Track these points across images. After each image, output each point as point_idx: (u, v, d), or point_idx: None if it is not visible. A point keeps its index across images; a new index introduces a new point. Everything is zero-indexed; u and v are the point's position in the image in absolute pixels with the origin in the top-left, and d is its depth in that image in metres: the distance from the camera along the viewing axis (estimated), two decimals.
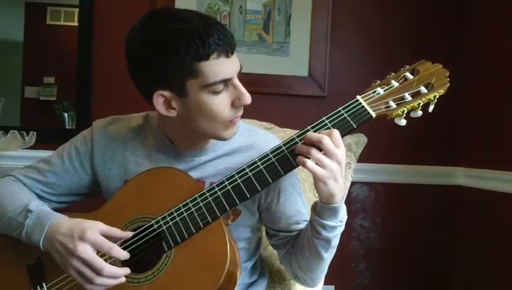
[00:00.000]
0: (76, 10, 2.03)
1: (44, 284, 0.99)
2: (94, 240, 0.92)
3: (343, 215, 1.00)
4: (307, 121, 0.97)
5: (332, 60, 2.09)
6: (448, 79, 0.96)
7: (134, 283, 0.94)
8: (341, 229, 1.01)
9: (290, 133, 0.98)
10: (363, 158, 1.43)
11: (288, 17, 2.09)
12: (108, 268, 0.91)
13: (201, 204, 0.95)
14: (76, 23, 2.04)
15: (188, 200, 0.96)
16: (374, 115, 0.94)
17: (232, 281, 0.94)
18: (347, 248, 2.11)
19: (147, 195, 1.00)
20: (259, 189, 0.95)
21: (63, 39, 2.14)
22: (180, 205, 0.96)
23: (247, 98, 0.98)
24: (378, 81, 0.98)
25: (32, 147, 1.84)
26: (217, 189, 0.95)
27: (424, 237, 2.14)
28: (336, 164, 0.92)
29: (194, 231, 0.94)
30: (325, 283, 1.34)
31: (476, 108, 2.04)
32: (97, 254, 0.92)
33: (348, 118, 0.94)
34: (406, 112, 0.94)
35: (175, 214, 0.95)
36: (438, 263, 2.15)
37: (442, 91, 0.95)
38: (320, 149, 0.92)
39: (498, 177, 1.84)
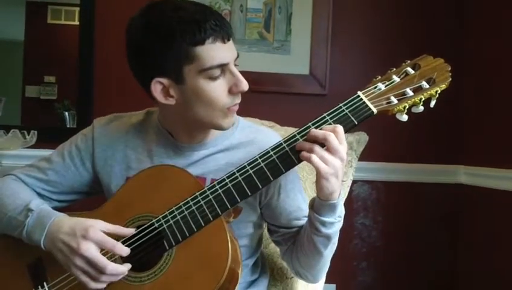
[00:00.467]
0: (77, 9, 2.04)
1: (45, 283, 0.99)
2: (97, 238, 0.92)
3: (341, 210, 1.00)
4: (308, 119, 0.96)
5: (333, 58, 2.09)
6: (450, 74, 0.95)
7: (136, 282, 0.94)
8: (340, 225, 1.01)
9: (291, 131, 0.98)
10: (364, 156, 1.42)
11: (289, 15, 2.08)
12: (111, 266, 0.91)
13: (202, 202, 0.94)
14: (77, 22, 2.04)
15: (189, 199, 0.95)
16: (375, 110, 0.93)
17: (233, 279, 0.93)
18: (349, 246, 2.11)
19: (148, 193, 1.00)
20: (260, 186, 0.95)
21: (63, 38, 2.14)
22: (181, 203, 0.95)
23: (245, 85, 0.98)
24: (379, 77, 0.97)
25: (33, 146, 1.84)
26: (217, 187, 0.95)
27: (425, 235, 2.14)
28: (339, 161, 0.92)
29: (195, 229, 0.93)
30: (327, 281, 1.34)
31: (477, 106, 2.03)
32: (100, 252, 0.92)
33: (349, 114, 0.94)
34: (407, 107, 0.94)
35: (176, 212, 0.95)
36: (440, 261, 2.14)
37: (444, 86, 0.95)
38: (322, 146, 0.91)
39: (500, 175, 1.84)
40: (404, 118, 0.95)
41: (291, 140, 0.95)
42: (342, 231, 1.03)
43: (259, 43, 2.07)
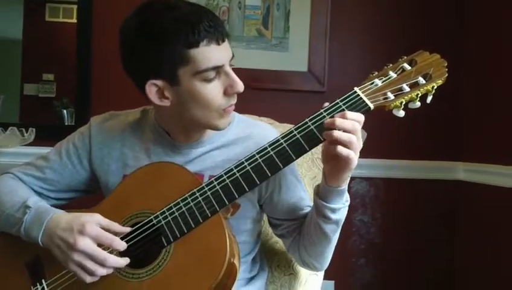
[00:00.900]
0: (75, 7, 2.03)
1: (43, 280, 0.99)
2: (94, 233, 0.92)
3: (347, 195, 1.01)
4: (307, 116, 0.96)
5: (331, 55, 2.09)
6: (447, 69, 0.95)
7: (134, 279, 0.94)
8: (346, 209, 1.02)
9: (289, 128, 0.98)
10: (362, 153, 1.42)
11: (287, 12, 2.08)
12: (111, 259, 0.91)
13: (200, 198, 0.95)
14: (75, 20, 2.04)
15: (187, 195, 0.95)
16: (372, 106, 0.93)
17: (231, 275, 0.94)
18: (347, 243, 2.11)
19: (146, 190, 1.00)
20: (258, 182, 0.95)
21: (62, 36, 2.14)
22: (179, 199, 0.95)
23: (240, 86, 0.98)
24: (376, 73, 0.97)
25: (31, 144, 1.84)
26: (215, 183, 0.95)
27: (423, 231, 2.14)
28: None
29: (193, 225, 0.94)
30: (325, 278, 1.34)
31: (476, 104, 2.04)
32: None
33: (346, 110, 0.94)
34: (404, 103, 0.94)
35: (174, 209, 0.95)
36: (438, 257, 2.15)
37: (440, 81, 0.95)
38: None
39: (498, 171, 1.84)
40: (401, 113, 0.95)
41: (289, 136, 0.95)
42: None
43: (257, 40, 2.07)
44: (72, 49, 2.02)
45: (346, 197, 1.01)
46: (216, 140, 1.08)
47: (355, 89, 0.95)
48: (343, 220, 1.02)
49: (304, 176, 1.33)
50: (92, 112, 1.95)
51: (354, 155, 0.90)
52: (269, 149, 0.95)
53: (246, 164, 0.95)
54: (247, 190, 0.95)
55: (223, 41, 0.96)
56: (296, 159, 0.95)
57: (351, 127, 0.89)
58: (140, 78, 0.98)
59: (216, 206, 0.94)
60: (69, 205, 1.10)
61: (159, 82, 0.97)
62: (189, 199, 0.95)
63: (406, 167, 2.12)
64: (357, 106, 0.93)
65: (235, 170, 0.95)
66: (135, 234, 0.96)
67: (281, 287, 1.28)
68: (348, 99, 0.94)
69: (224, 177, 0.95)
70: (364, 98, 0.94)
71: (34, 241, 0.97)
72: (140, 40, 0.95)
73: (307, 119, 0.95)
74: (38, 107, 2.09)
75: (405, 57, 0.98)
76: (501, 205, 1.84)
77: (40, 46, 2.11)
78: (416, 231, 2.14)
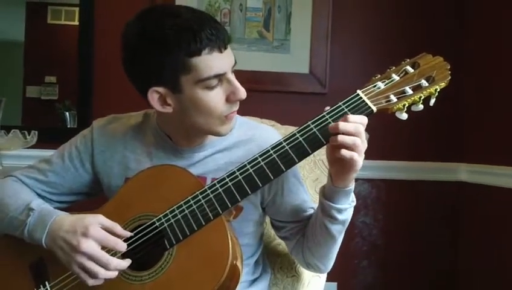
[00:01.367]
0: (77, 9, 2.04)
1: (47, 282, 0.99)
2: (98, 235, 0.92)
3: (353, 195, 1.01)
4: (308, 118, 0.96)
5: (333, 57, 2.09)
6: (450, 72, 0.95)
7: (137, 281, 0.94)
8: (352, 210, 1.02)
9: (291, 130, 0.98)
10: (364, 154, 1.42)
11: (289, 14, 2.08)
12: (115, 262, 0.91)
13: (202, 201, 0.95)
14: (77, 22, 2.05)
15: (189, 197, 0.95)
16: (374, 109, 0.93)
17: (234, 278, 0.94)
18: (349, 244, 2.11)
19: (148, 193, 1.00)
20: (261, 185, 0.95)
21: (63, 38, 2.14)
22: (182, 202, 0.96)
23: (242, 93, 0.98)
24: (379, 75, 0.97)
25: (33, 147, 1.84)
26: (218, 186, 0.95)
27: (426, 233, 2.14)
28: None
29: (195, 228, 0.94)
30: (328, 280, 1.34)
31: (477, 104, 2.04)
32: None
33: (349, 113, 0.93)
34: (407, 105, 0.94)
35: (176, 211, 0.95)
36: (441, 259, 2.14)
37: (443, 84, 0.95)
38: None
39: (501, 172, 1.84)
40: (404, 116, 0.95)
41: (291, 139, 0.95)
42: None
43: (258, 42, 2.08)
44: (74, 51, 2.03)
45: (352, 198, 1.01)
46: (218, 143, 1.08)
47: (358, 91, 0.95)
48: (349, 221, 1.02)
49: (306, 178, 1.33)
50: (94, 114, 1.96)
51: (357, 157, 0.90)
52: (272, 152, 0.95)
53: (248, 166, 0.95)
54: (249, 192, 0.95)
55: (225, 48, 0.96)
56: (299, 162, 0.95)
57: (354, 130, 0.89)
58: (142, 84, 0.98)
59: (219, 209, 0.94)
60: (71, 208, 1.10)
61: (161, 89, 0.97)
62: (191, 202, 0.95)
63: (408, 169, 2.12)
64: (360, 108, 0.93)
65: (237, 173, 0.95)
66: (138, 236, 0.96)
67: (284, 289, 1.28)
68: (350, 102, 0.94)
69: (227, 180, 0.95)
70: (367, 101, 0.94)
71: (37, 243, 0.97)
72: (142, 47, 0.95)
73: (309, 122, 0.95)
74: (40, 110, 2.09)
75: (408, 60, 0.98)
76: (504, 205, 1.83)
77: (42, 48, 2.12)
78: (418, 232, 2.14)
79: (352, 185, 0.98)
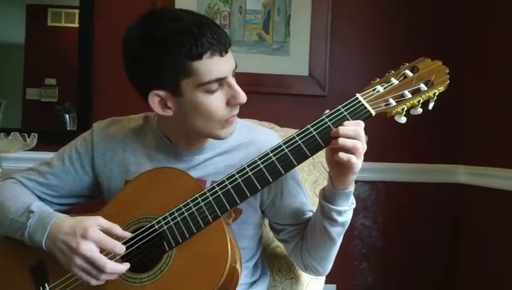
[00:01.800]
0: (77, 11, 2.04)
1: (47, 284, 1.00)
2: (97, 237, 0.92)
3: (353, 197, 1.02)
4: (308, 120, 0.97)
5: (332, 59, 2.09)
6: (448, 76, 0.96)
7: (136, 283, 0.94)
8: (352, 212, 1.03)
9: (290, 132, 0.98)
10: (364, 157, 1.43)
11: (288, 16, 2.09)
12: (110, 265, 0.92)
13: (202, 204, 0.95)
14: (77, 25, 2.04)
15: (189, 200, 0.96)
16: (373, 112, 0.94)
17: (233, 280, 0.94)
18: (349, 246, 2.11)
19: (148, 195, 1.00)
20: (260, 188, 0.95)
21: (64, 40, 2.14)
22: (181, 204, 0.96)
23: (242, 97, 0.98)
24: (378, 79, 0.98)
25: (33, 149, 1.84)
26: (217, 188, 0.96)
27: (425, 235, 2.14)
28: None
29: (195, 230, 0.94)
30: (327, 282, 1.34)
31: (477, 106, 2.04)
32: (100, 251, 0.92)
33: (348, 116, 0.94)
34: (405, 109, 0.94)
35: (176, 214, 0.96)
36: (440, 261, 2.15)
37: (442, 88, 0.95)
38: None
39: (499, 174, 1.84)
40: (403, 120, 0.95)
41: (291, 142, 0.95)
42: None
43: (258, 44, 2.08)
44: (74, 53, 2.02)
45: (352, 200, 1.02)
46: (218, 146, 1.08)
47: (357, 95, 0.96)
48: (348, 223, 1.03)
49: (305, 180, 1.33)
50: (94, 117, 1.97)
51: (355, 159, 0.91)
52: (271, 155, 0.95)
53: (248, 169, 0.95)
54: (249, 195, 0.95)
55: (226, 52, 0.96)
56: (298, 165, 0.95)
57: (353, 133, 0.90)
58: (143, 88, 0.99)
59: (218, 211, 0.94)
60: (71, 211, 1.10)
61: (161, 92, 0.97)
62: (191, 204, 0.95)
63: (408, 171, 2.12)
64: (359, 112, 0.94)
65: (236, 176, 0.95)
66: (138, 238, 0.97)
67: None
68: (349, 105, 0.95)
69: (226, 182, 0.96)
70: (366, 104, 0.94)
71: (37, 245, 0.98)
72: (143, 51, 0.95)
73: (308, 126, 0.95)
74: (40, 112, 2.09)
75: (407, 64, 0.99)
76: (503, 207, 1.84)
77: (42, 50, 2.12)
78: (417, 234, 2.14)
79: (352, 187, 0.99)
